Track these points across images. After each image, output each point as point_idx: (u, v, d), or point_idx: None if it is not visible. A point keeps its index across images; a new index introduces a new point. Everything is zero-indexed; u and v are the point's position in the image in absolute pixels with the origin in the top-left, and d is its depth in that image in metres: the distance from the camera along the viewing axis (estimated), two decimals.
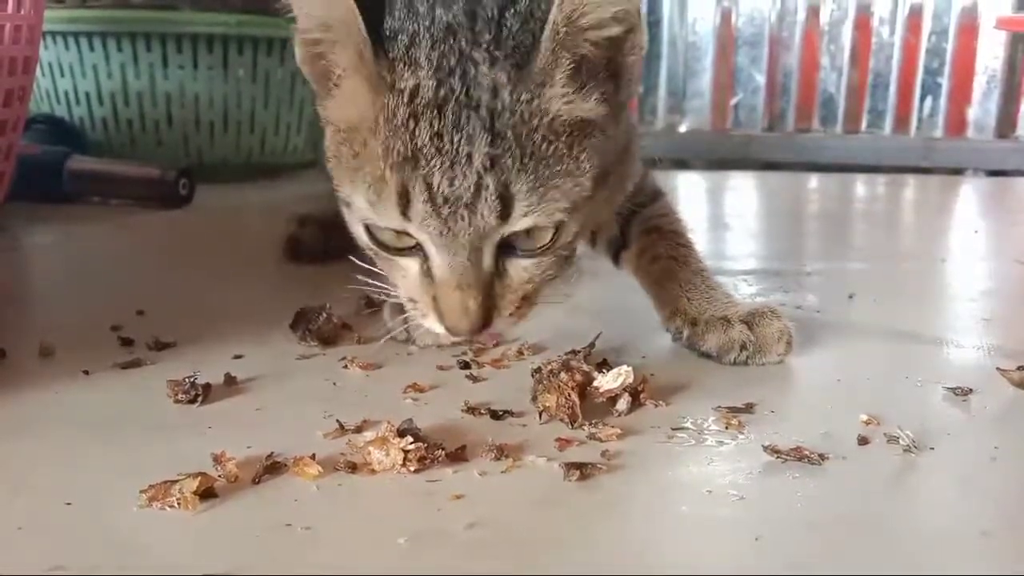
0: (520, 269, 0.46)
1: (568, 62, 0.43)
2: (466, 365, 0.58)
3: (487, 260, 0.45)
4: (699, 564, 0.35)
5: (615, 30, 0.45)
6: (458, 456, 0.43)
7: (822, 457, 0.43)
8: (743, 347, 0.56)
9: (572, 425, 0.46)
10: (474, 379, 0.55)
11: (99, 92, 1.20)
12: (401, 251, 0.47)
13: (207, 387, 0.51)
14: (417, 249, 0.46)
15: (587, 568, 0.34)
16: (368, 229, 0.47)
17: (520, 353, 0.60)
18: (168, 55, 1.19)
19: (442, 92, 0.43)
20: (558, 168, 0.43)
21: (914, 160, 1.72)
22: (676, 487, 0.42)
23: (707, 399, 0.50)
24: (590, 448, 0.44)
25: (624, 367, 0.49)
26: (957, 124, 1.74)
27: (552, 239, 0.45)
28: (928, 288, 0.84)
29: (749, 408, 0.49)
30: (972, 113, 1.73)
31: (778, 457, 0.43)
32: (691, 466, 0.43)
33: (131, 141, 1.23)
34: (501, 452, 0.43)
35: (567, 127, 0.43)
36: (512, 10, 0.45)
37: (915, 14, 1.71)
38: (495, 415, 0.49)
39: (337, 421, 0.47)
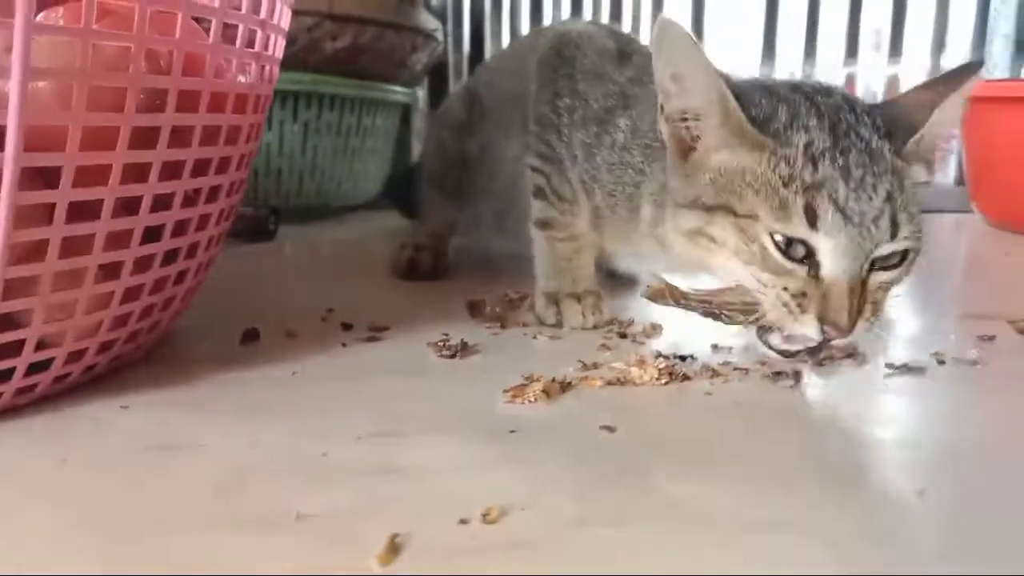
0: (877, 281, 0.57)
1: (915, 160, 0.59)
2: (623, 335, 0.76)
3: (864, 269, 0.56)
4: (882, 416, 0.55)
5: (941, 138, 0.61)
6: (685, 375, 0.61)
7: (921, 369, 0.64)
8: None
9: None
10: (639, 342, 0.74)
11: None
12: (791, 260, 0.56)
13: (463, 345, 0.68)
14: (806, 259, 0.56)
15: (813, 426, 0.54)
16: (769, 239, 0.56)
17: (654, 328, 0.79)
18: None
19: (842, 143, 0.56)
20: (917, 211, 0.57)
21: None
22: (849, 385, 0.62)
23: None
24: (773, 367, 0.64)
25: None
26: None
27: (901, 261, 0.57)
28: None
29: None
30: None
31: (895, 370, 0.64)
32: (850, 379, 0.63)
33: None
34: (715, 373, 0.62)
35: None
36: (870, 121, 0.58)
37: (850, 83, 2.03)
38: (681, 358, 0.67)
39: (580, 361, 0.65)
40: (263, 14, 0.59)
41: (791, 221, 0.55)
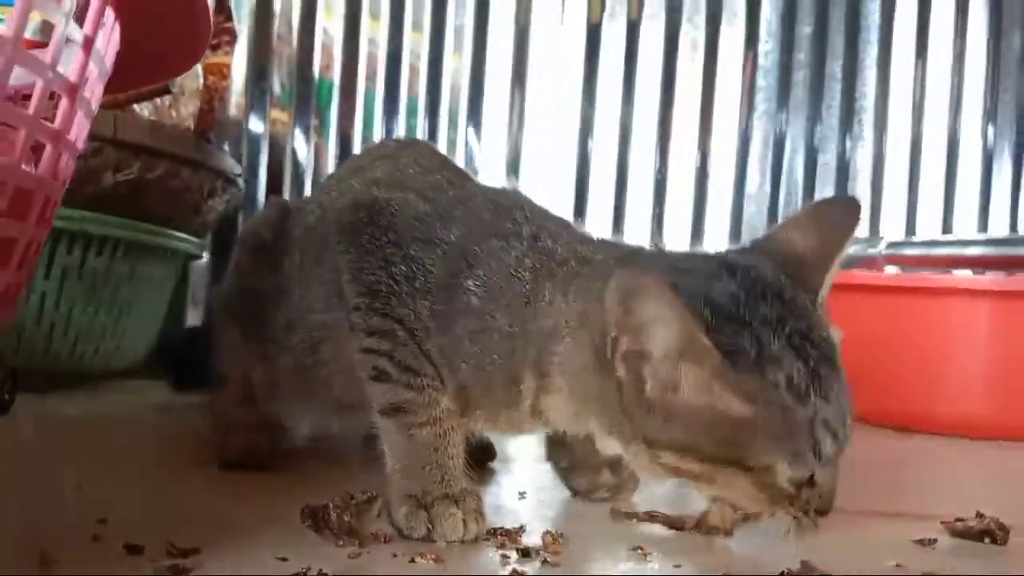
0: None
1: None
2: (526, 553, 0.59)
3: None
4: None
5: None
6: None
7: None
8: None
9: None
10: (551, 563, 0.57)
11: None
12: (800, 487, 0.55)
13: None
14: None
15: None
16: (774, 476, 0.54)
17: (555, 541, 0.62)
18: None
19: (811, 365, 0.53)
20: None
21: None
22: None
23: None
24: None
25: None
26: None
27: None
28: None
29: None
30: None
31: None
32: None
33: None
34: None
35: None
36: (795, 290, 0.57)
37: None
38: None
39: None
40: (72, 75, 0.39)
41: (806, 463, 0.53)
